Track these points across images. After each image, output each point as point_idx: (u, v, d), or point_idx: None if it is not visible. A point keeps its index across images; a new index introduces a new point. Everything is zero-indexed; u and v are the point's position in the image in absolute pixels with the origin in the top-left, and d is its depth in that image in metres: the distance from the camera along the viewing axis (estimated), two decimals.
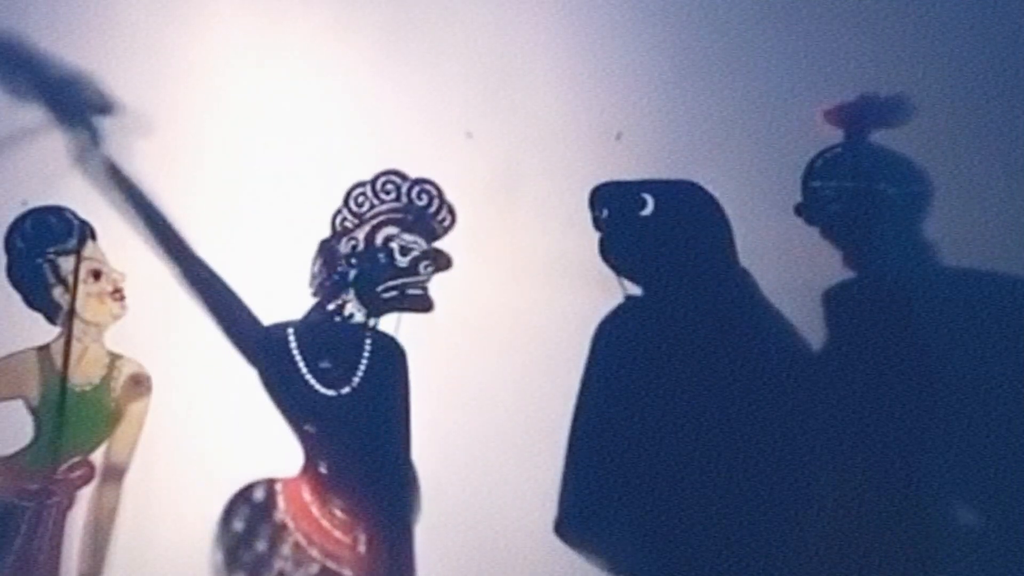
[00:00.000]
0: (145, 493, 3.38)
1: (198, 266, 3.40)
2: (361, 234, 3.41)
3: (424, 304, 3.38)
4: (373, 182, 3.42)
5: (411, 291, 3.39)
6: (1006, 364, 3.18)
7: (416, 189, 3.41)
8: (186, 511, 3.33)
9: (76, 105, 3.45)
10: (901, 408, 3.17)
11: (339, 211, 3.42)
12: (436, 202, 3.40)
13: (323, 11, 3.47)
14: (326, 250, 3.42)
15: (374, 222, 3.41)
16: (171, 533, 3.33)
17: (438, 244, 3.39)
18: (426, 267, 3.39)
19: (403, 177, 3.41)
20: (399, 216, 3.41)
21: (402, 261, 3.40)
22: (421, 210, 3.40)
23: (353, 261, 3.41)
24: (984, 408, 3.15)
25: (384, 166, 3.41)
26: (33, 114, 3.45)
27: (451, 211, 3.40)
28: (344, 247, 3.41)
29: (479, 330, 3.32)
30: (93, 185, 3.43)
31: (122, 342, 3.46)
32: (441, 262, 3.39)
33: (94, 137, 3.44)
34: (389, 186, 3.41)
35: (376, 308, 3.40)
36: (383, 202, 3.41)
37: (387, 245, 3.40)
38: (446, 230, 3.40)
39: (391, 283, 3.40)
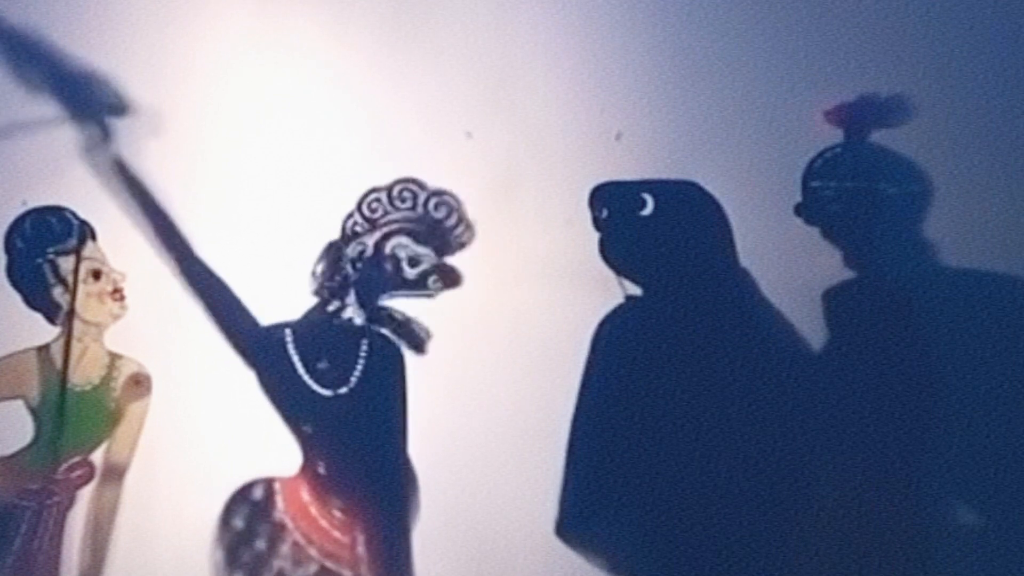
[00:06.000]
0: (145, 493, 3.38)
1: (198, 266, 3.39)
2: (371, 240, 3.36)
3: (418, 343, 3.34)
4: (389, 189, 3.36)
5: (413, 328, 3.34)
6: (1006, 364, 3.18)
7: (434, 200, 3.35)
8: (186, 510, 3.33)
9: (88, 102, 3.45)
10: (901, 408, 3.17)
11: (351, 215, 3.37)
12: (455, 216, 3.34)
13: (323, 10, 3.47)
14: (332, 252, 3.38)
15: (386, 229, 3.35)
16: (171, 533, 3.33)
17: (450, 260, 3.34)
18: (434, 282, 3.33)
19: (421, 186, 3.35)
20: (413, 226, 3.35)
21: (410, 273, 3.35)
22: (437, 223, 3.36)
23: (359, 266, 3.37)
24: (984, 408, 3.15)
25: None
26: (33, 113, 3.46)
27: (469, 227, 3.34)
28: (351, 251, 3.37)
29: (478, 330, 3.32)
30: (99, 182, 3.43)
31: (122, 342, 3.46)
32: (450, 279, 3.33)
33: (104, 134, 3.44)
34: (406, 194, 3.34)
35: (375, 317, 3.37)
36: (398, 210, 3.35)
37: (396, 255, 3.35)
38: (462, 246, 3.34)
39: (395, 294, 3.37)
